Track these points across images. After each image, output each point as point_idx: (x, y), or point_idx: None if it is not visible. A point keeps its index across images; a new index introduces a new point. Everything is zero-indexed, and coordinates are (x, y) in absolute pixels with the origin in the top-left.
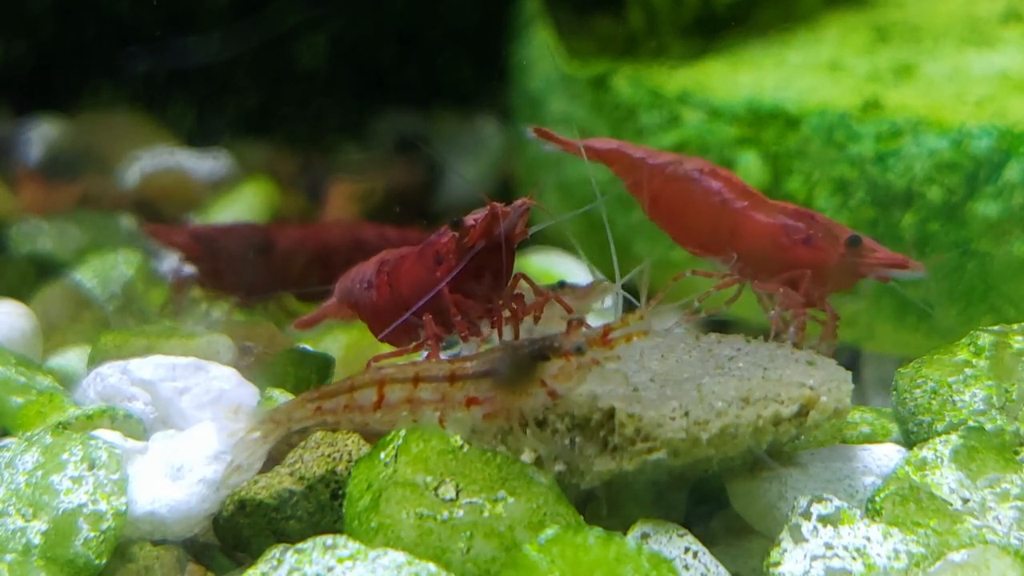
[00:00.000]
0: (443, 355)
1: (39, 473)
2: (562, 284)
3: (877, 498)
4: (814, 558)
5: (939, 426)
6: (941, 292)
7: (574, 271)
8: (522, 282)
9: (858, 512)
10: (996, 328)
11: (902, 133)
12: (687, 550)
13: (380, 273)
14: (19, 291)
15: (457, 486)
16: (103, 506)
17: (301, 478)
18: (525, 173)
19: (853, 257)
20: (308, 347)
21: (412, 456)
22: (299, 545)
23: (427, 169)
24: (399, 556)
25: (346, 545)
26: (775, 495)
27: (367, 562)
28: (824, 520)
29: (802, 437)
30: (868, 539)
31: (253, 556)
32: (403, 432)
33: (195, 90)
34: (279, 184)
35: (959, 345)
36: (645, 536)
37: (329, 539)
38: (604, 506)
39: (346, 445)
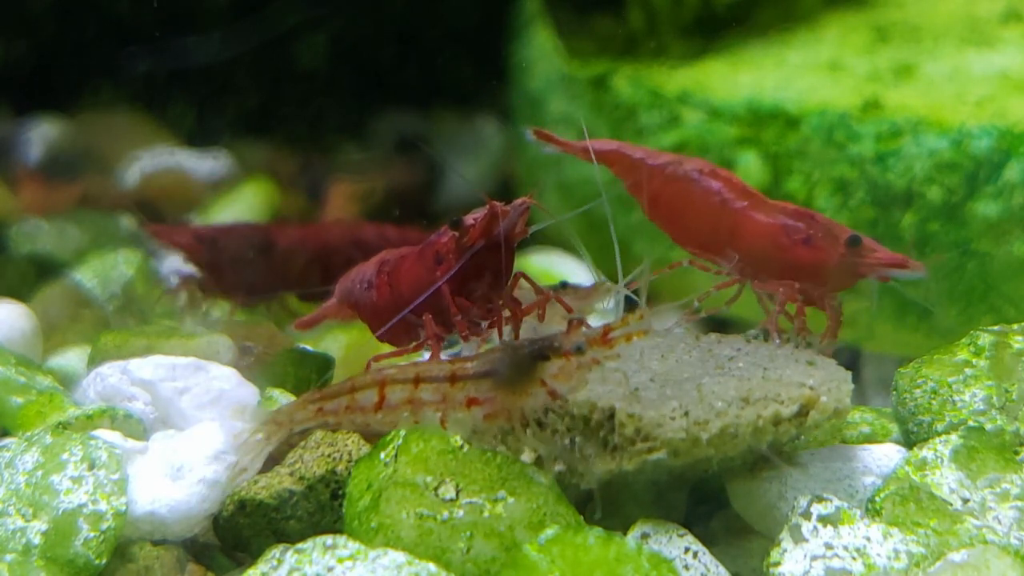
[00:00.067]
0: (443, 355)
1: (39, 473)
2: (564, 284)
3: (877, 498)
4: (814, 558)
5: (939, 426)
6: (941, 292)
7: (574, 271)
8: (522, 282)
9: (858, 512)
10: (996, 328)
11: (902, 133)
12: (687, 550)
13: (380, 273)
14: (19, 291)
15: (457, 486)
16: (103, 506)
17: (301, 478)
18: (525, 173)
19: (853, 257)
20: (308, 347)
21: (412, 456)
22: (299, 545)
23: (427, 169)
24: (399, 556)
25: (346, 545)
26: (775, 495)
27: (367, 562)
28: (824, 520)
29: (802, 437)
30: (868, 539)
31: (253, 556)
32: (403, 432)
33: (195, 90)
34: (279, 184)
35: (959, 345)
36: (645, 536)
37: (329, 539)
38: (599, 507)
39: (346, 445)
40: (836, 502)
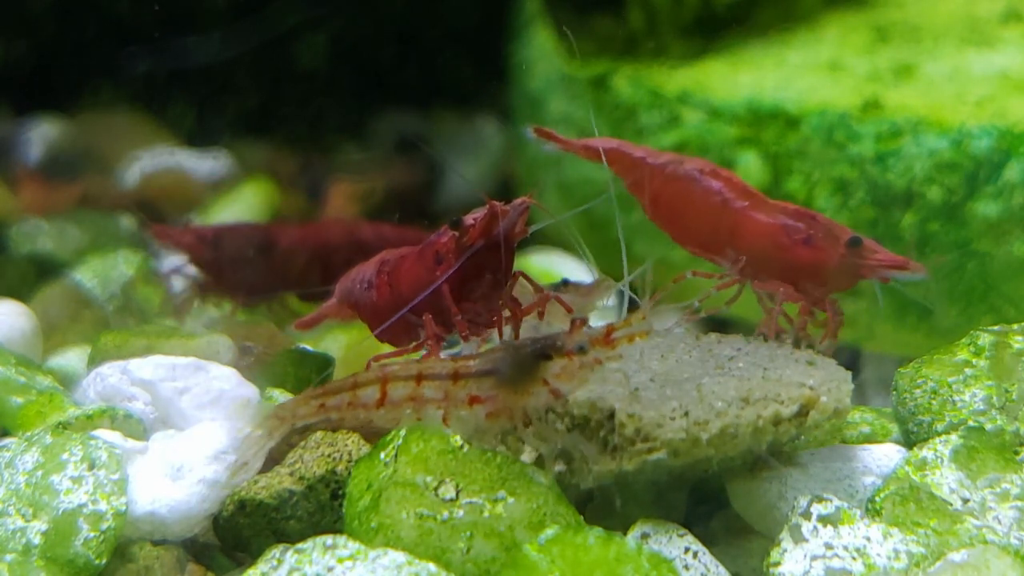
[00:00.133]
0: (443, 354)
1: (39, 473)
2: (566, 282)
3: (877, 498)
4: (814, 558)
5: (939, 426)
6: (941, 292)
7: (574, 271)
8: (522, 281)
9: (858, 512)
10: (996, 328)
11: (902, 133)
12: (687, 550)
13: (380, 273)
14: (19, 291)
15: (457, 486)
16: (103, 506)
17: (301, 478)
18: (525, 173)
19: (854, 258)
20: (308, 347)
21: (412, 456)
22: (299, 545)
23: (427, 169)
24: (399, 556)
25: (346, 545)
26: (775, 495)
27: (367, 562)
28: (824, 520)
29: (802, 437)
30: (868, 539)
31: (253, 556)
32: (403, 432)
33: (195, 90)
34: (279, 184)
35: (959, 345)
36: (645, 536)
37: (329, 539)
38: (598, 503)
39: (346, 445)
40: (836, 502)
